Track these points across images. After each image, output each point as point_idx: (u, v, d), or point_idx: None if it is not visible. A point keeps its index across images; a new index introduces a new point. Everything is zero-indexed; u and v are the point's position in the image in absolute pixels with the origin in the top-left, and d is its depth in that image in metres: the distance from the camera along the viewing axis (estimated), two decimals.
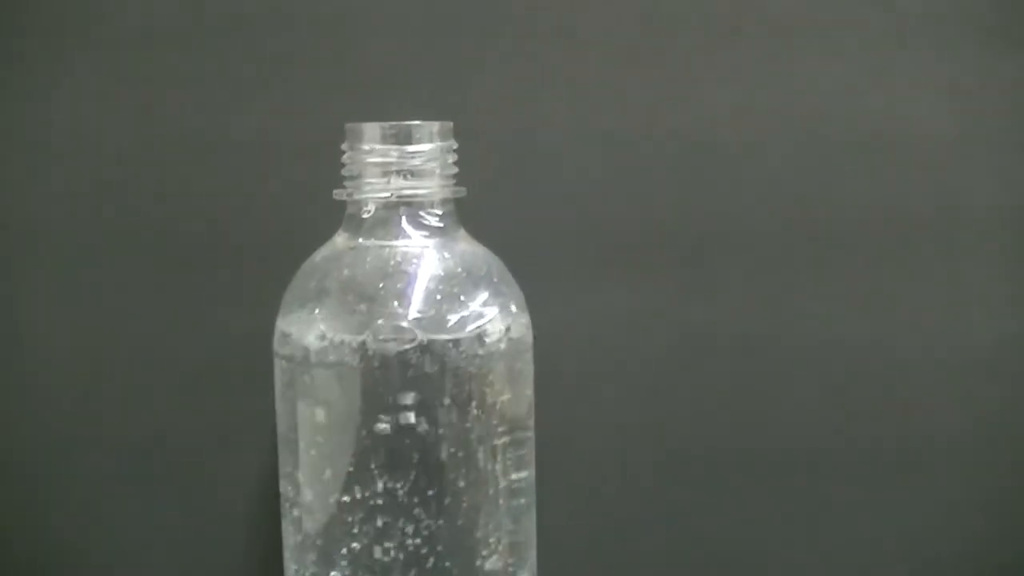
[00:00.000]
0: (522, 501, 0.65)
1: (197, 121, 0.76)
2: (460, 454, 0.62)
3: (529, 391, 0.66)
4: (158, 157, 0.76)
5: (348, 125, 0.65)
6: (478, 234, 0.66)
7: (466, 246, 0.66)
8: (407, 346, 0.61)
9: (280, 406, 0.65)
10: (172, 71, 0.76)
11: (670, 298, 0.75)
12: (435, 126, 0.64)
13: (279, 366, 0.65)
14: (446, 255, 0.64)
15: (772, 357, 0.74)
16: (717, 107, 0.73)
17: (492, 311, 0.64)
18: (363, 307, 0.63)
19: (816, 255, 0.74)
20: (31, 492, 0.76)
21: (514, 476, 0.65)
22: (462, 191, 0.66)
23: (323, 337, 0.63)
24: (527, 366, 0.66)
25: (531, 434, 0.66)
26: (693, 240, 0.75)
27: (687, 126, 0.74)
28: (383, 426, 0.61)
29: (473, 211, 0.65)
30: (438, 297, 0.63)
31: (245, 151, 0.74)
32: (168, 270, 0.77)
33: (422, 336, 0.62)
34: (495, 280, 0.65)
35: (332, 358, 0.62)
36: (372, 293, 0.63)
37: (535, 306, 0.67)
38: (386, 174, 0.64)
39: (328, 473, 0.63)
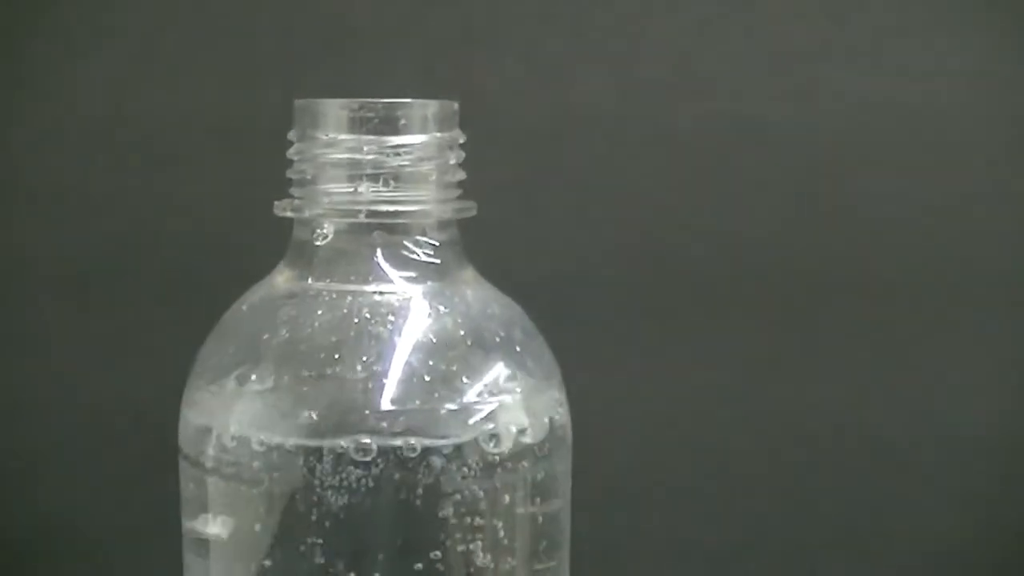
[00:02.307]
0: None
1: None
2: None
3: (565, 507, 0.43)
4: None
5: (299, 103, 0.43)
6: (493, 274, 0.45)
7: (475, 293, 0.43)
8: (373, 458, 0.38)
9: (184, 518, 0.43)
10: None
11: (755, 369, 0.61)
12: (431, 107, 0.43)
13: (181, 466, 0.42)
14: (442, 308, 0.41)
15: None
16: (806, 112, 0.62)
17: (512, 399, 0.41)
18: (306, 391, 0.40)
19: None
20: None
21: None
22: (471, 208, 0.43)
23: (241, 438, 0.39)
24: (563, 475, 0.43)
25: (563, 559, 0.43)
26: (791, 287, 0.63)
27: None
28: None
29: (487, 239, 0.45)
30: (426, 378, 0.40)
31: (149, 138, 0.50)
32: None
33: (397, 442, 0.39)
34: (517, 348, 0.42)
35: (254, 473, 0.39)
36: (322, 369, 0.40)
37: (575, 380, 0.44)
38: (354, 179, 0.42)
39: None
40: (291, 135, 0.43)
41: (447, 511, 0.40)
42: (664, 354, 0.63)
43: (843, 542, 0.66)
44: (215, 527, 0.42)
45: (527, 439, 0.42)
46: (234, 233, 0.54)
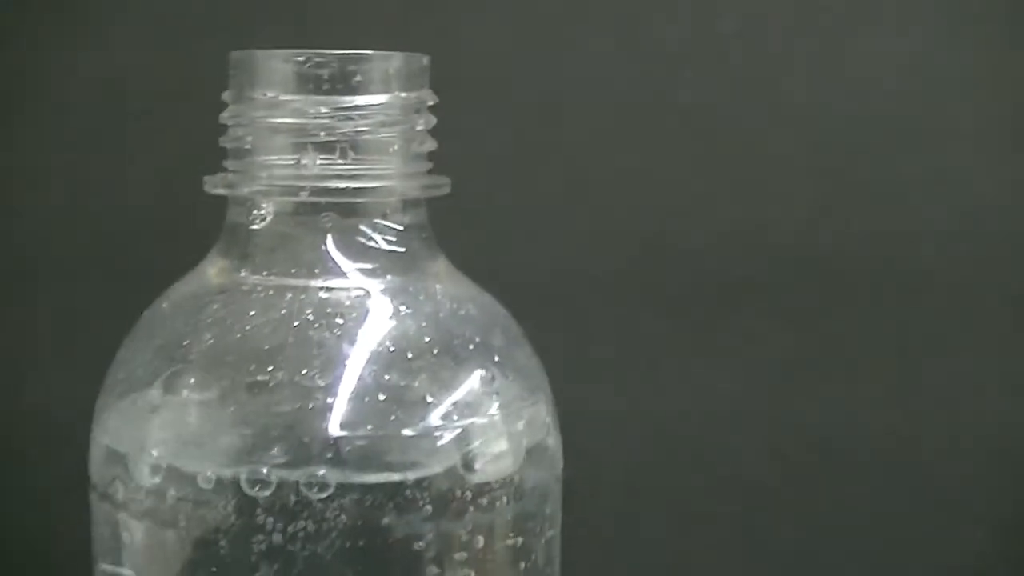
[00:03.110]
0: None
1: None
2: None
3: (553, 543, 0.36)
4: None
5: (235, 55, 0.35)
6: (470, 267, 0.37)
7: (446, 290, 0.35)
8: (318, 495, 0.31)
9: (96, 559, 0.35)
10: None
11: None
12: (395, 61, 0.35)
13: (91, 499, 0.35)
14: (404, 308, 0.34)
15: None
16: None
17: (489, 420, 0.33)
18: (233, 411, 0.32)
19: None
20: None
21: None
22: (443, 185, 0.36)
23: (161, 468, 0.32)
24: (551, 509, 0.35)
25: None
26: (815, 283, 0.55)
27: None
28: None
29: (463, 223, 0.38)
30: (381, 396, 0.32)
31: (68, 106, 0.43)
32: None
33: (347, 475, 0.31)
34: (496, 357, 0.35)
35: (171, 511, 0.32)
36: (254, 383, 0.32)
37: (568, 392, 0.37)
38: (299, 149, 0.34)
39: None
40: (225, 95, 0.35)
41: (411, 558, 0.32)
42: (670, 361, 0.55)
43: (871, 565, 0.58)
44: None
45: (507, 469, 0.34)
46: (170, 215, 0.47)
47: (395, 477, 0.32)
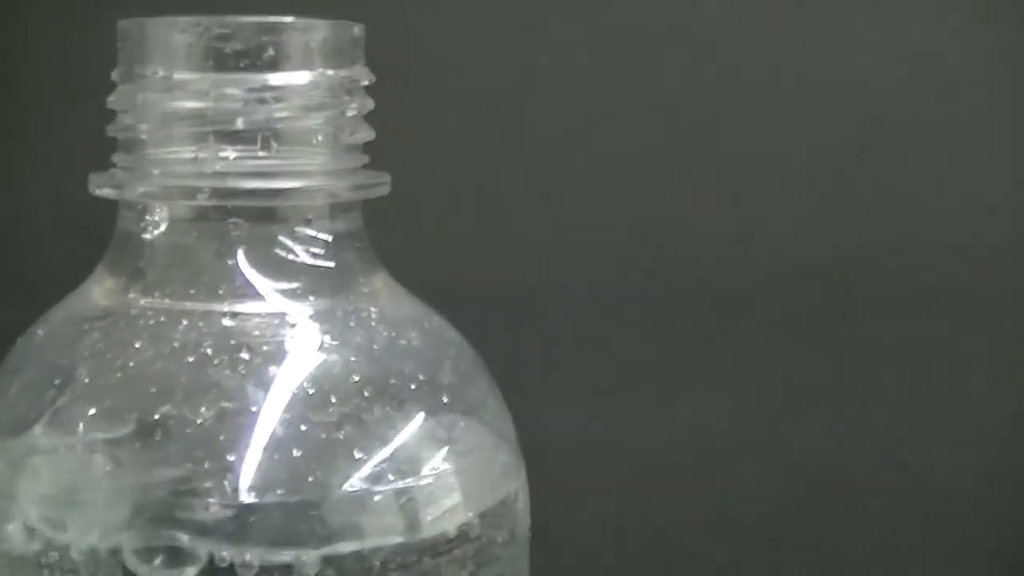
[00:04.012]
0: None
1: None
2: None
3: None
4: None
5: (122, 24, 0.29)
6: (417, 282, 0.30)
7: (384, 314, 0.28)
8: (188, 571, 0.24)
9: None
10: None
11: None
12: (320, 31, 0.28)
13: None
14: (328, 339, 0.27)
15: None
16: None
17: (435, 478, 0.26)
18: (108, 471, 0.25)
19: None
20: None
21: None
22: (382, 184, 0.29)
23: (21, 535, 0.25)
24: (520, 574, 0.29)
25: None
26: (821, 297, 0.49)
27: None
28: None
29: (407, 230, 0.33)
30: (296, 452, 0.25)
31: None
32: None
33: (253, 556, 0.24)
34: (444, 399, 0.28)
35: None
36: (136, 435, 0.25)
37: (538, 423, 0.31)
38: (200, 139, 0.27)
39: None
40: (114, 74, 0.29)
41: None
42: (654, 385, 0.48)
43: None
44: None
45: (460, 538, 0.27)
46: (58, 222, 0.40)
47: (313, 554, 0.25)
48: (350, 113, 0.29)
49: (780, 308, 0.49)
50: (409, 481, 0.26)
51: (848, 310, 0.50)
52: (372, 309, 0.29)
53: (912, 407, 0.51)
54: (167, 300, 0.28)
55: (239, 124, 0.27)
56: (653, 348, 0.48)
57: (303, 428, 0.26)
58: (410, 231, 0.32)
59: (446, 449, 0.27)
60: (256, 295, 0.27)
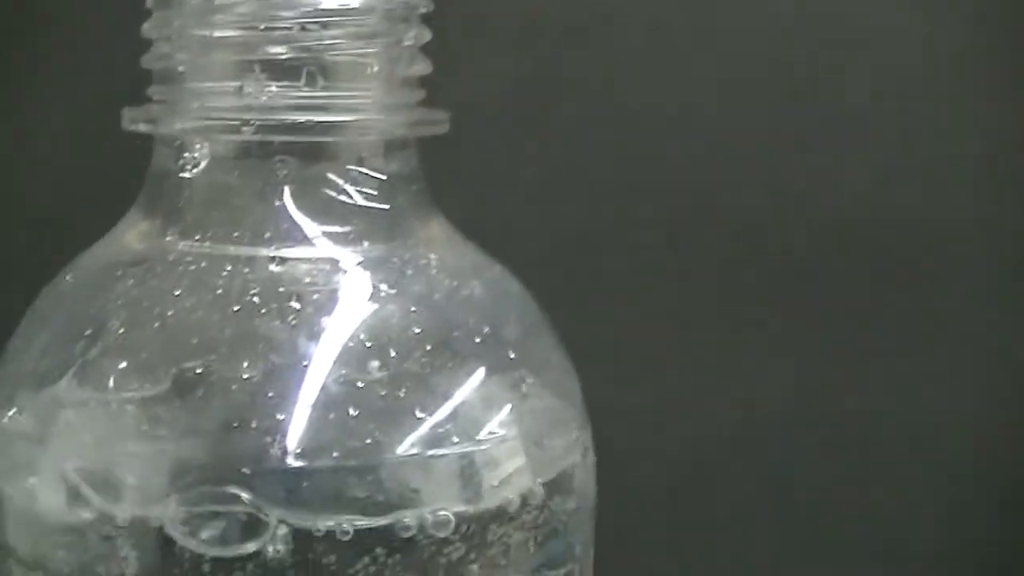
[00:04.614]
0: None
1: None
2: None
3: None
4: None
5: None
6: (475, 229, 0.28)
7: (444, 262, 0.26)
8: (251, 545, 0.22)
9: None
10: None
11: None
12: None
13: None
14: (385, 288, 0.24)
15: None
16: None
17: (502, 440, 0.24)
18: (145, 430, 0.23)
19: None
20: None
21: None
22: (440, 122, 0.27)
23: (56, 501, 0.23)
24: (582, 552, 0.27)
25: None
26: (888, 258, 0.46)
27: None
28: None
29: (465, 173, 0.31)
30: (352, 411, 0.23)
31: None
32: None
33: (293, 519, 0.22)
34: (511, 354, 0.25)
35: (65, 557, 0.23)
36: (176, 391, 0.23)
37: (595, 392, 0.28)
38: (245, 70, 0.25)
39: None
40: (149, 1, 0.26)
41: None
42: (715, 349, 0.45)
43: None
44: None
45: (525, 503, 0.25)
46: (86, 163, 0.38)
47: (373, 522, 0.23)
48: (407, 43, 0.26)
49: (846, 272, 0.46)
50: (473, 444, 0.24)
51: (912, 275, 0.47)
52: (431, 256, 0.26)
53: (979, 376, 0.49)
54: (208, 244, 0.25)
55: (287, 53, 0.25)
56: (711, 308, 0.45)
57: (360, 385, 0.23)
58: (465, 175, 0.29)
59: (512, 410, 0.25)
60: (305, 239, 0.25)
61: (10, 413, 0.26)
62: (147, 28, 0.27)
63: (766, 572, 0.48)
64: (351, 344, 0.24)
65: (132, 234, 0.27)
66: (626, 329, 0.42)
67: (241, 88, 0.25)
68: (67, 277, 0.27)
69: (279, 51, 0.25)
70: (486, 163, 0.36)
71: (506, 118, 0.38)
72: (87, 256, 0.27)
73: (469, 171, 0.31)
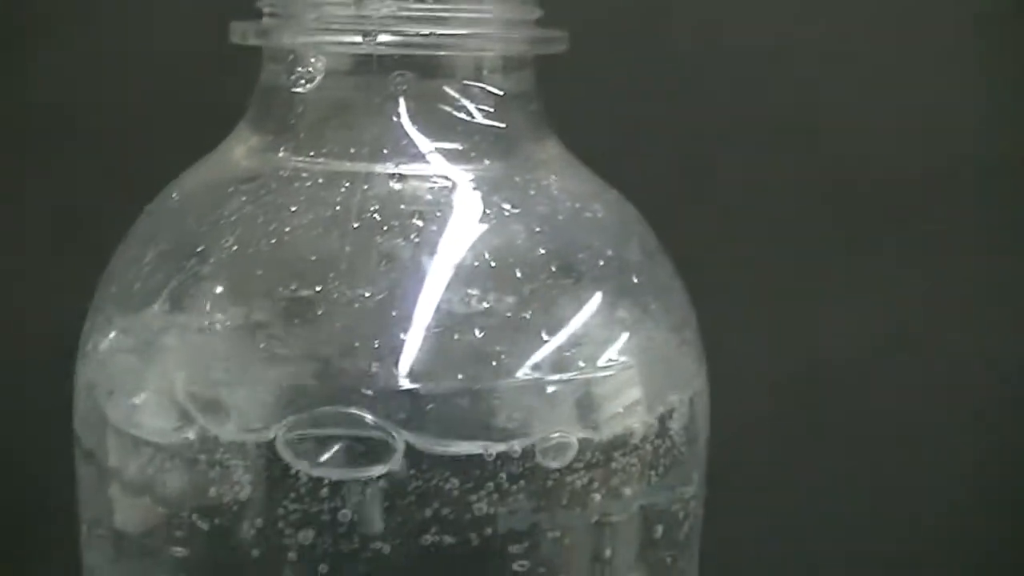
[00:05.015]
0: None
1: None
2: None
3: (694, 537, 0.27)
4: None
5: None
6: (592, 154, 0.26)
7: (563, 183, 0.25)
8: (375, 469, 0.21)
9: (84, 516, 0.26)
10: None
11: None
12: None
13: (77, 455, 0.25)
14: (508, 207, 0.23)
15: None
16: None
17: (625, 366, 0.23)
18: (263, 348, 0.22)
19: None
20: None
21: None
22: (557, 41, 0.26)
23: (150, 416, 0.22)
24: (697, 488, 0.26)
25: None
26: None
27: None
28: None
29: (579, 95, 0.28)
30: (477, 331, 0.22)
31: None
32: None
33: (421, 442, 0.21)
34: (634, 278, 0.24)
35: (173, 477, 0.22)
36: (294, 308, 0.22)
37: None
38: None
39: None
40: None
41: (507, 557, 0.22)
42: (834, 286, 0.44)
43: None
44: (116, 559, 0.25)
45: (645, 434, 0.24)
46: (186, 78, 0.37)
47: (495, 446, 0.22)
48: None
49: (947, 210, 0.44)
50: (597, 369, 0.23)
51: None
52: (551, 177, 0.25)
53: None
54: (324, 160, 0.24)
55: None
56: (824, 247, 0.44)
57: (485, 306, 0.23)
58: (579, 97, 0.28)
59: (636, 336, 0.24)
60: (424, 156, 0.24)
61: (112, 335, 0.25)
62: None
63: (868, 503, 0.47)
64: (476, 264, 0.23)
65: (241, 151, 0.26)
66: (737, 260, 0.41)
67: (364, 3, 0.24)
68: (172, 195, 0.26)
69: (392, 7, 0.24)
70: (601, 85, 0.35)
71: (623, 39, 0.36)
72: (193, 174, 0.27)
73: (582, 94, 0.30)
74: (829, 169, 0.43)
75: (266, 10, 0.26)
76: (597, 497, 0.23)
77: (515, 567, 0.23)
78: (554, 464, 0.22)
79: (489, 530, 0.22)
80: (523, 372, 0.22)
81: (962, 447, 0.46)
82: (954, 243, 0.45)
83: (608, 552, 0.24)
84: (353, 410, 0.22)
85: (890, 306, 0.45)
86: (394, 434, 0.22)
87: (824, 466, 0.46)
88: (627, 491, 0.24)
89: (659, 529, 0.25)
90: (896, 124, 0.44)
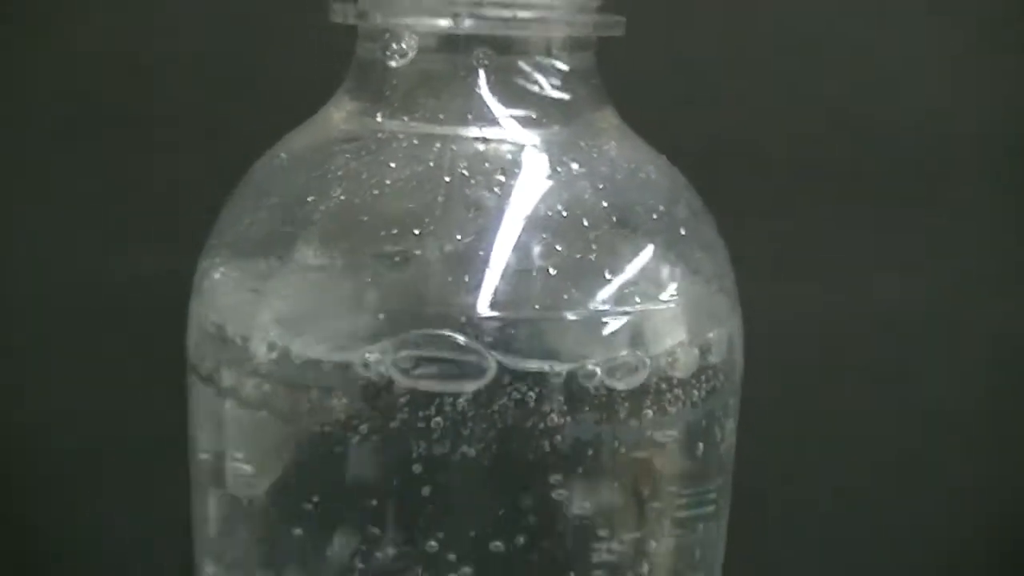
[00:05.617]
0: None
1: None
2: None
3: (729, 457, 0.31)
4: None
5: None
6: (646, 127, 0.30)
7: (620, 147, 0.29)
8: (467, 385, 0.25)
9: (198, 451, 0.30)
10: None
11: None
12: None
13: (190, 382, 0.29)
14: (575, 166, 0.27)
15: None
16: None
17: (674, 305, 0.27)
18: (369, 282, 0.26)
19: None
20: None
21: None
22: (617, 25, 0.29)
23: (268, 343, 0.26)
24: (730, 417, 0.30)
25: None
26: None
27: None
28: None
29: (639, 71, 0.33)
30: (550, 268, 0.26)
31: None
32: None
33: (503, 362, 0.25)
34: (682, 231, 0.28)
35: (290, 395, 0.26)
36: (394, 250, 0.26)
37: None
38: None
39: None
40: None
41: (566, 464, 0.26)
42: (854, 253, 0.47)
43: None
44: (232, 472, 0.29)
45: (689, 363, 0.28)
46: (272, 53, 0.40)
47: (564, 366, 0.26)
48: None
49: (986, 180, 0.47)
50: (652, 304, 0.27)
51: None
52: (611, 143, 0.29)
53: None
54: (416, 124, 0.28)
55: None
56: (851, 213, 0.46)
57: (558, 248, 0.27)
58: (634, 76, 0.32)
59: (684, 279, 0.28)
60: (502, 121, 0.28)
61: (228, 274, 0.29)
62: None
63: (893, 462, 0.49)
64: (550, 213, 0.27)
65: (340, 115, 0.30)
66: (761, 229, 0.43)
67: None
68: (280, 155, 0.30)
69: None
70: (652, 66, 0.38)
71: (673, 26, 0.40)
72: (297, 135, 0.30)
73: (637, 73, 0.33)
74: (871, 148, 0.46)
75: None
76: (649, 414, 0.27)
77: (579, 471, 0.26)
78: (617, 384, 0.26)
79: (559, 438, 0.26)
80: (589, 305, 0.26)
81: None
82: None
83: (659, 464, 0.28)
84: (449, 333, 0.26)
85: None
86: (484, 354, 0.25)
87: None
88: (672, 410, 0.27)
89: (700, 447, 0.29)
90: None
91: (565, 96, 0.29)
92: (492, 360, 0.26)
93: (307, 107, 0.31)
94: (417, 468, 0.26)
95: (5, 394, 0.48)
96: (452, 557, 0.26)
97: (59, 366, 0.47)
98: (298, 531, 0.27)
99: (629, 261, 0.27)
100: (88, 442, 0.48)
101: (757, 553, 0.40)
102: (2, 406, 0.48)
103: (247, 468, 0.29)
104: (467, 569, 0.26)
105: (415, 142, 0.28)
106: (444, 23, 0.28)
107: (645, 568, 0.28)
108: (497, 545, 0.26)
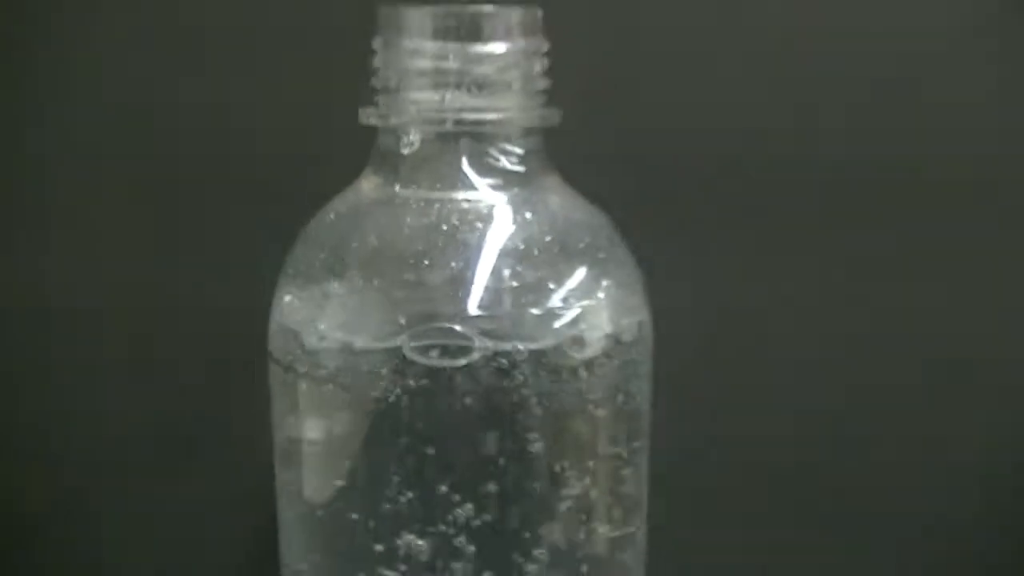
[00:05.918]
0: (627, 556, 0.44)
1: None
2: (536, 523, 0.41)
3: (644, 405, 0.45)
4: None
5: (383, 9, 0.43)
6: (577, 182, 0.45)
7: (560, 201, 0.43)
8: (462, 360, 0.39)
9: (279, 422, 0.44)
10: None
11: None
12: (515, 15, 0.42)
13: (272, 370, 0.43)
14: (528, 215, 0.42)
15: None
16: None
17: (597, 303, 0.41)
18: (395, 296, 0.40)
19: None
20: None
21: (616, 534, 0.42)
22: (555, 116, 0.43)
23: (329, 339, 0.40)
24: (644, 379, 0.43)
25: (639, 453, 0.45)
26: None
27: None
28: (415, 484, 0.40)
29: (570, 148, 0.44)
30: (514, 283, 0.40)
31: (228, 44, 0.51)
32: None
33: (486, 344, 0.39)
34: (601, 255, 0.42)
35: (345, 373, 0.40)
36: (411, 275, 0.40)
37: (658, 289, 0.45)
38: (440, 87, 0.41)
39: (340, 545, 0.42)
40: (375, 43, 0.43)
41: (531, 412, 0.40)
42: (767, 258, 0.56)
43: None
44: (305, 430, 0.43)
45: (610, 342, 0.42)
46: (309, 141, 0.54)
47: (526, 345, 0.40)
48: (535, 70, 0.43)
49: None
50: (584, 301, 0.41)
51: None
52: (552, 197, 0.43)
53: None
54: (421, 191, 0.42)
55: (465, 77, 0.42)
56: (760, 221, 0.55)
57: (517, 269, 0.41)
58: (573, 151, 0.46)
59: (604, 287, 0.42)
60: (480, 188, 0.42)
61: (299, 292, 0.43)
62: (376, 61, 0.43)
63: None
64: (512, 246, 0.41)
65: (368, 186, 0.44)
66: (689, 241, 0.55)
67: (444, 98, 0.42)
68: (330, 214, 0.44)
69: (460, 76, 0.42)
70: (590, 143, 0.51)
71: (597, 111, 0.54)
72: (339, 200, 0.44)
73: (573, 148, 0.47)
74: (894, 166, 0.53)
75: (382, 103, 0.43)
76: (588, 376, 0.41)
77: (540, 416, 0.40)
78: (566, 358, 0.40)
79: (526, 393, 0.40)
80: (544, 305, 0.40)
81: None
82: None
83: (596, 411, 0.42)
84: (449, 325, 0.40)
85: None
86: (473, 339, 0.40)
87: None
88: (603, 372, 0.41)
89: (620, 398, 0.43)
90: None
91: (521, 169, 0.43)
92: (479, 343, 0.40)
93: (342, 182, 0.45)
94: (432, 415, 0.40)
95: (5, 394, 0.57)
96: (456, 478, 0.40)
97: (59, 366, 0.57)
98: (355, 466, 0.41)
99: (569, 276, 0.41)
100: (88, 442, 0.58)
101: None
102: (2, 406, 0.58)
103: (316, 426, 0.42)
104: (467, 484, 0.40)
105: (422, 204, 0.42)
106: (438, 125, 0.42)
107: (589, 482, 0.42)
108: (487, 469, 0.40)
